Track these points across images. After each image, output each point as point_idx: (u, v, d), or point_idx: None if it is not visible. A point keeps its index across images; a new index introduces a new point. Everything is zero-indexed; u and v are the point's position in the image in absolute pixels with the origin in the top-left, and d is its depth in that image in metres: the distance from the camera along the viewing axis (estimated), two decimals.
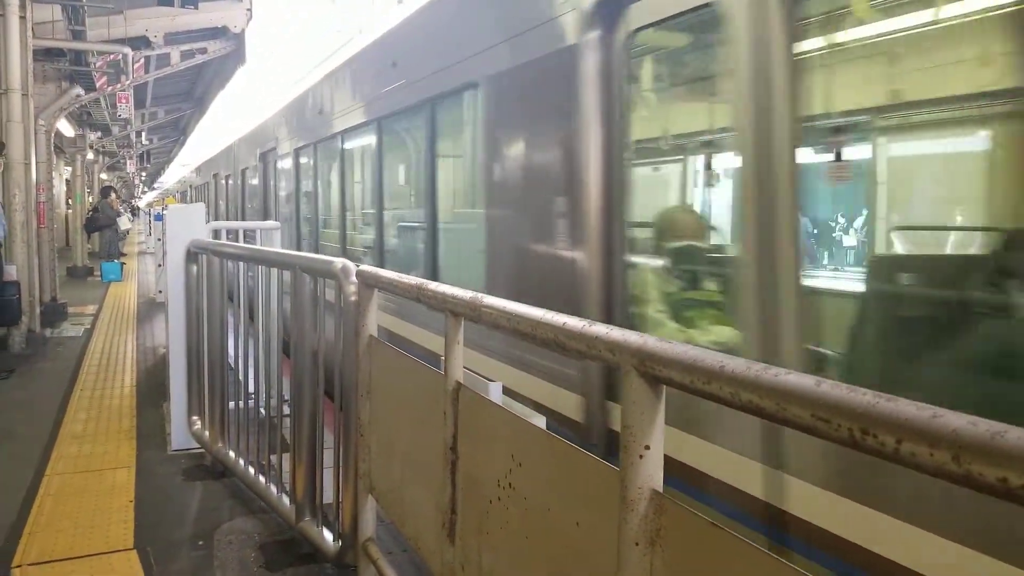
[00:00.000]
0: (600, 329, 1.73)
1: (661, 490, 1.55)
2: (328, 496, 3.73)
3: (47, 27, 11.40)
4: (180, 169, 42.70)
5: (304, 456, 3.76)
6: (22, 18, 9.53)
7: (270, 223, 7.00)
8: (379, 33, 6.87)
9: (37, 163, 10.47)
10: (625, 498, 1.56)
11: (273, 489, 4.23)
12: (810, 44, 2.81)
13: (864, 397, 1.17)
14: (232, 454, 4.81)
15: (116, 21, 11.89)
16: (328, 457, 3.72)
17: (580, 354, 1.79)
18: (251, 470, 4.52)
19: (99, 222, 20.27)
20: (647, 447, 1.56)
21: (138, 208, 50.83)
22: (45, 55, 11.98)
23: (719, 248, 3.90)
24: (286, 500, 4.04)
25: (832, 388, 1.22)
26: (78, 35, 11.34)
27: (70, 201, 25.06)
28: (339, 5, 17.39)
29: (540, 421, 2.38)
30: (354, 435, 3.37)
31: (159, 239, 16.05)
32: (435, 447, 2.55)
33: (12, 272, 8.91)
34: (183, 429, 5.52)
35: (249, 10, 13.66)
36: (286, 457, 4.07)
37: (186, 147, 38.42)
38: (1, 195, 9.46)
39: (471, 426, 2.37)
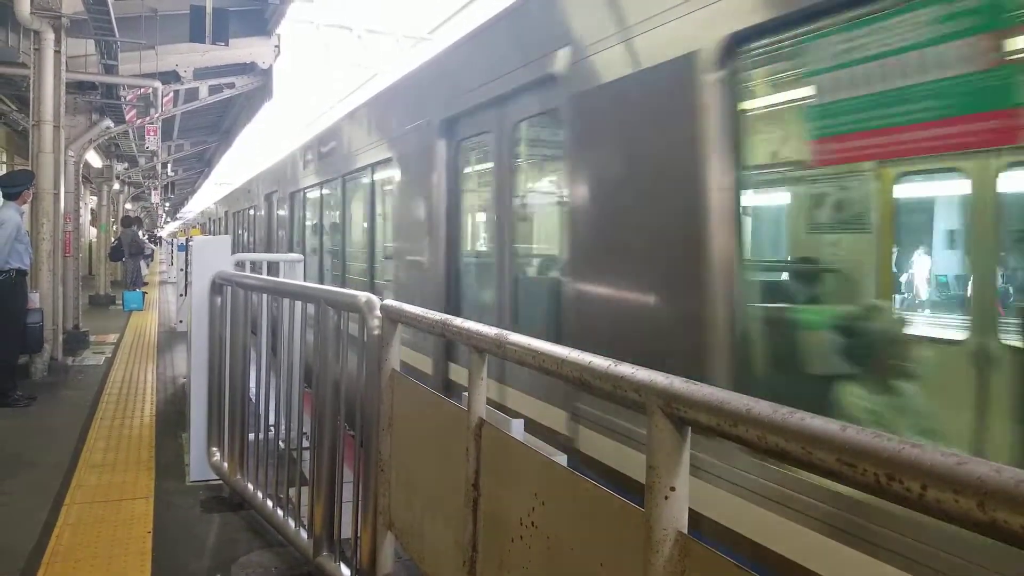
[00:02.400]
0: (626, 369, 1.75)
1: (687, 531, 1.56)
2: (347, 531, 3.73)
3: (80, 61, 11.65)
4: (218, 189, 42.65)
5: (323, 490, 3.76)
6: (57, 52, 9.74)
7: (293, 256, 7.05)
8: None
9: (65, 193, 10.64)
10: (650, 539, 1.57)
11: (291, 523, 4.23)
12: None
13: (889, 443, 1.18)
14: (251, 486, 4.82)
15: (147, 56, 12.12)
16: (347, 492, 3.72)
17: (606, 393, 1.81)
18: (269, 503, 4.53)
19: (123, 251, 20.55)
20: (672, 488, 1.56)
21: (159, 238, 51.42)
22: (77, 88, 12.23)
23: None
24: (304, 534, 4.04)
25: (857, 433, 1.23)
26: (110, 69, 11.56)
27: (95, 230, 25.40)
28: (364, 42, 17.59)
29: (561, 459, 2.39)
30: (374, 470, 3.37)
31: (181, 269, 16.21)
32: (456, 483, 2.56)
33: (35, 300, 9.02)
34: (202, 460, 5.54)
35: (277, 46, 13.90)
36: (305, 491, 4.08)
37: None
38: (29, 224, 9.62)
39: (494, 463, 2.38)
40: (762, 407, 1.40)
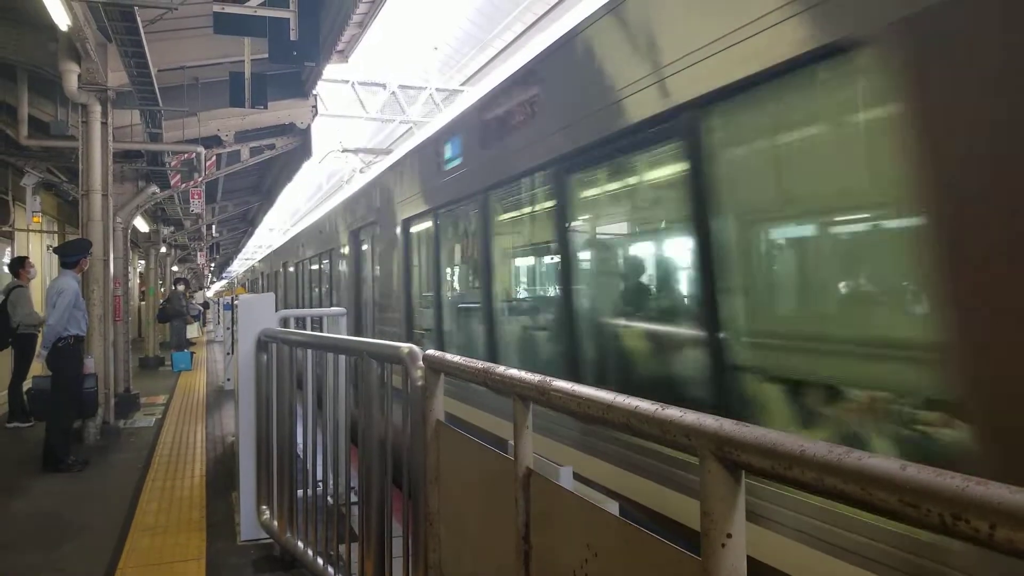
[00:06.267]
0: (674, 413, 1.71)
1: None
2: None
3: (126, 131, 12.01)
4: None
5: (373, 545, 3.73)
6: (104, 124, 10.05)
7: (336, 309, 7.11)
8: None
9: (114, 259, 10.90)
10: None
11: None
12: None
13: (953, 480, 1.13)
14: (300, 544, 4.80)
15: (190, 123, 12.47)
16: (397, 546, 3.69)
17: (654, 438, 1.77)
18: (320, 561, 4.50)
19: (170, 313, 20.92)
20: (729, 535, 1.52)
21: (207, 302, 52.24)
22: (124, 157, 12.58)
23: None
24: None
25: (919, 472, 1.19)
26: (155, 137, 11.92)
27: (143, 293, 25.92)
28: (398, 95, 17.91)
29: (613, 507, 2.34)
30: (423, 524, 3.34)
31: (228, 328, 16.43)
32: (507, 536, 2.52)
33: (90, 364, 9.21)
34: (252, 519, 5.54)
35: (314, 107, 14.20)
36: (355, 547, 4.05)
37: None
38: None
39: (543, 514, 2.34)
40: (817, 447, 1.36)
